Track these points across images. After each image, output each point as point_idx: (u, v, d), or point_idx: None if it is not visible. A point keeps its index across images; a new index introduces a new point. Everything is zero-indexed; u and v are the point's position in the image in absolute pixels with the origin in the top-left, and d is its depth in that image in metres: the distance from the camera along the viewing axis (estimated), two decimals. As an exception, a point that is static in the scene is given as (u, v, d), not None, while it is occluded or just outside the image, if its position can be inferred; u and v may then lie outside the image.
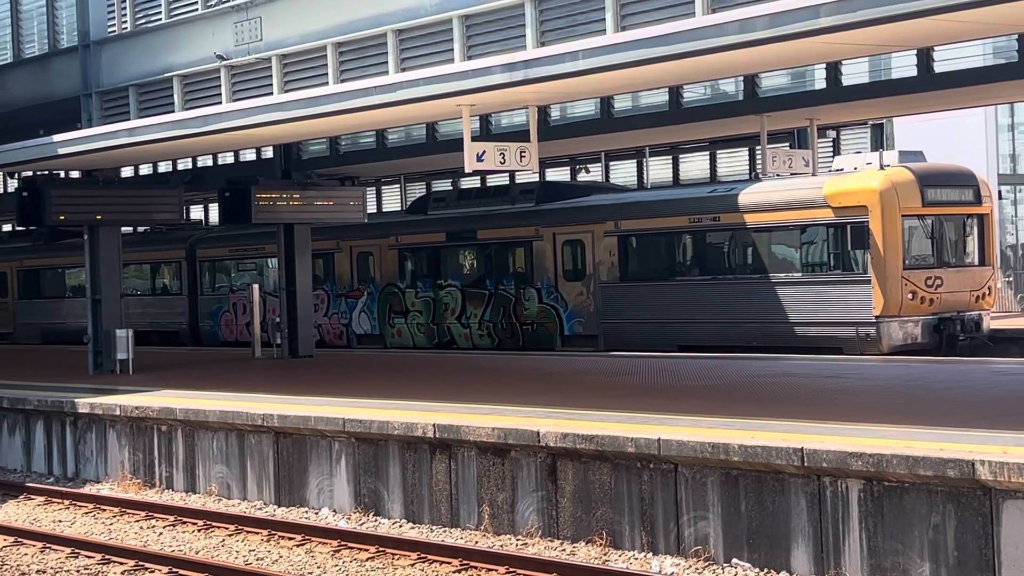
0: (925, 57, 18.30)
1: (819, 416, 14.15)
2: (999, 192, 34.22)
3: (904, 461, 11.40)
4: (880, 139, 31.14)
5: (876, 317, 24.03)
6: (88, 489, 18.88)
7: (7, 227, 46.88)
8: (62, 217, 25.18)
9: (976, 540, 11.14)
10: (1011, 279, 33.18)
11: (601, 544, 13.59)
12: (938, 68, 18.34)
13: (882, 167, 24.64)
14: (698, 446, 12.78)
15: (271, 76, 23.04)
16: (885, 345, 23.99)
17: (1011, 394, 15.92)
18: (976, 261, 25.75)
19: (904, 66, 18.98)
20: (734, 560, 12.66)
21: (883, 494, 11.68)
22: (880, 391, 17.00)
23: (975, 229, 25.81)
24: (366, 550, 14.16)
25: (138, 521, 16.60)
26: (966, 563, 11.19)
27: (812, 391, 17.23)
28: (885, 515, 11.68)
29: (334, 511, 16.29)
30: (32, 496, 18.71)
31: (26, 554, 15.04)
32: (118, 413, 19.20)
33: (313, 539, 14.80)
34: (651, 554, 13.24)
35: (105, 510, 17.36)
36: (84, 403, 19.77)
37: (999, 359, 22.42)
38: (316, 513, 16.39)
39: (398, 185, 39.05)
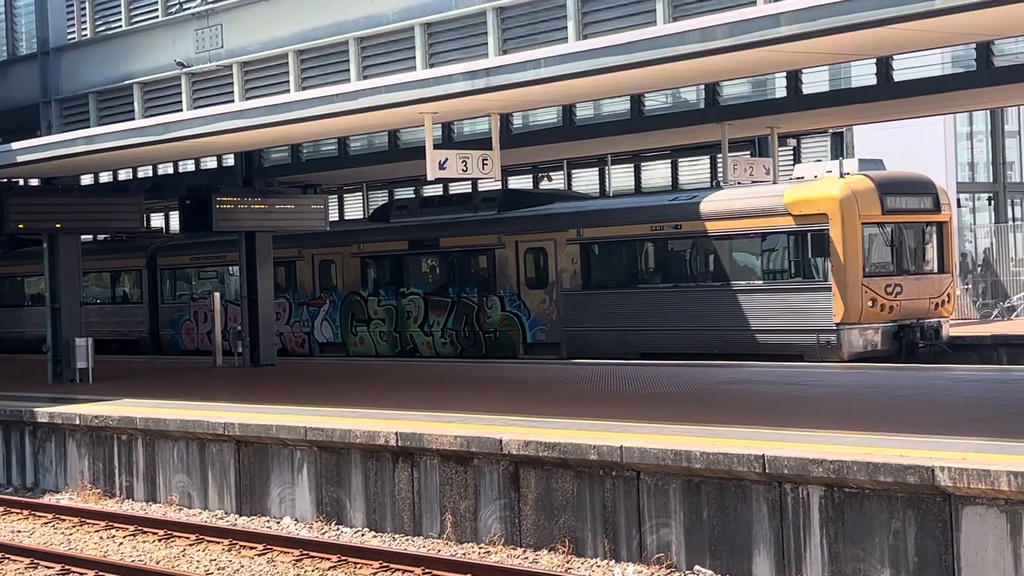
0: (884, 66, 18.43)
1: (780, 423, 14.21)
2: (958, 200, 34.49)
3: (864, 468, 11.46)
4: (840, 147, 31.33)
5: (836, 324, 24.15)
6: (47, 499, 18.72)
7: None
8: (21, 225, 24.99)
9: (936, 546, 11.21)
10: (969, 286, 33.46)
11: (564, 552, 13.60)
12: (897, 77, 18.47)
13: (842, 175, 24.79)
14: (660, 453, 12.80)
15: (232, 83, 22.98)
16: (845, 352, 24.12)
17: (970, 401, 16.04)
18: (935, 269, 25.94)
19: (864, 75, 19.11)
20: (696, 567, 12.69)
21: (844, 500, 11.74)
22: (841, 398, 17.09)
23: (934, 237, 26.00)
24: (328, 559, 14.10)
25: (98, 531, 16.48)
26: (926, 569, 11.25)
27: (773, 398, 17.30)
28: (846, 521, 11.74)
29: (296, 520, 16.23)
30: (-10, 506, 18.53)
31: (-16, 565, 14.91)
32: (78, 422, 19.06)
33: (275, 548, 14.73)
34: (613, 561, 13.25)
35: (64, 520, 17.22)
36: (43, 412, 19.61)
37: (958, 366, 22.58)
38: (278, 522, 16.31)
39: (360, 193, 38.98)
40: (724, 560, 12.53)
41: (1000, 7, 11.55)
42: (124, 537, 16.07)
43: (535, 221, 28.69)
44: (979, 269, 33.75)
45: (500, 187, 32.32)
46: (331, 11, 21.39)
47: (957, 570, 11.08)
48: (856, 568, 11.66)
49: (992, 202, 37.26)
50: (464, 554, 14.00)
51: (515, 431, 14.43)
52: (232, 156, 27.45)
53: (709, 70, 15.52)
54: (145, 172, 32.24)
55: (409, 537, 14.96)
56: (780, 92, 20.33)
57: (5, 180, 25.13)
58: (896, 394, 17.06)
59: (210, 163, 30.66)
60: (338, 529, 15.64)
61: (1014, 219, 36.86)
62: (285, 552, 14.56)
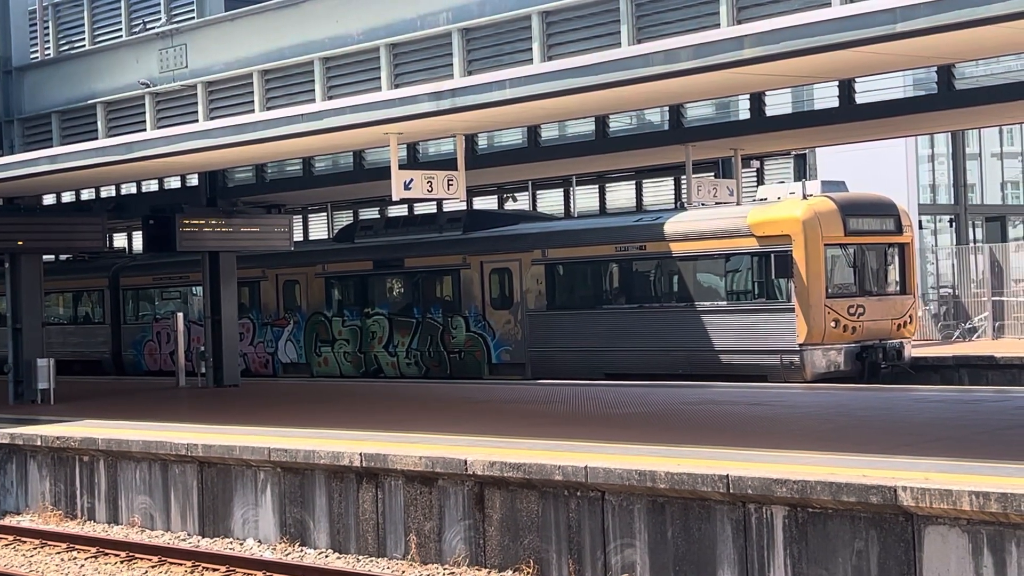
0: (847, 88, 18.58)
1: (744, 443, 14.25)
2: (919, 222, 34.75)
3: (828, 487, 11.51)
4: (803, 169, 31.53)
5: (800, 345, 24.27)
6: (8, 521, 18.54)
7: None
8: (-18, 245, 24.79)
9: (899, 565, 11.26)
10: (932, 308, 33.69)
11: (528, 572, 13.58)
12: (859, 100, 18.62)
13: (805, 197, 24.94)
14: (625, 473, 12.81)
15: (196, 103, 22.91)
16: (809, 373, 24.23)
17: (932, 421, 16.14)
18: (897, 290, 26.11)
19: (826, 97, 19.26)
20: (661, 587, 12.71)
21: (807, 520, 11.78)
22: (804, 418, 17.16)
23: (896, 258, 26.18)
24: (292, 581, 14.04)
25: (59, 553, 16.34)
26: (889, 588, 11.31)
27: (737, 418, 17.35)
28: (809, 541, 11.78)
29: (259, 541, 16.15)
30: (-51, 529, 18.34)
31: (-57, 588, 14.76)
32: (39, 443, 18.91)
33: (238, 570, 14.65)
34: (578, 582, 13.24)
35: (25, 542, 17.07)
36: (4, 433, 19.43)
37: (920, 387, 22.72)
38: (241, 544, 16.22)
39: (325, 213, 38.92)
40: (688, 580, 12.54)
41: (960, 31, 11.68)
42: (86, 559, 15.94)
43: (500, 241, 28.72)
44: (941, 292, 33.98)
45: (465, 207, 32.37)
46: (296, 31, 21.38)
47: (920, 589, 11.14)
48: (820, 588, 11.71)
49: (953, 224, 37.54)
50: (428, 575, 13.96)
51: (480, 452, 14.41)
52: (196, 176, 27.36)
53: (673, 92, 15.60)
54: (108, 192, 32.10)
55: (373, 558, 14.91)
56: (744, 114, 20.46)
57: (-33, 199, 24.95)
58: (859, 414, 17.14)
59: (174, 183, 30.53)
60: (302, 550, 15.57)
61: (975, 241, 37.16)
62: (248, 574, 14.48)
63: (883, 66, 14.41)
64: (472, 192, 32.68)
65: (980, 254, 33.63)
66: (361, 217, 37.15)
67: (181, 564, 15.16)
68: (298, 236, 35.55)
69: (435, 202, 32.41)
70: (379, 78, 20.08)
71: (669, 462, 12.96)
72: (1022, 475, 11.29)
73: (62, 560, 15.99)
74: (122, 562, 15.62)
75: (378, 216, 35.90)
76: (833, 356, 24.58)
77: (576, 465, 13.21)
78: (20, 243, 24.79)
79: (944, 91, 17.68)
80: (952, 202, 37.54)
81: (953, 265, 34.25)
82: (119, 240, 42.75)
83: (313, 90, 21.04)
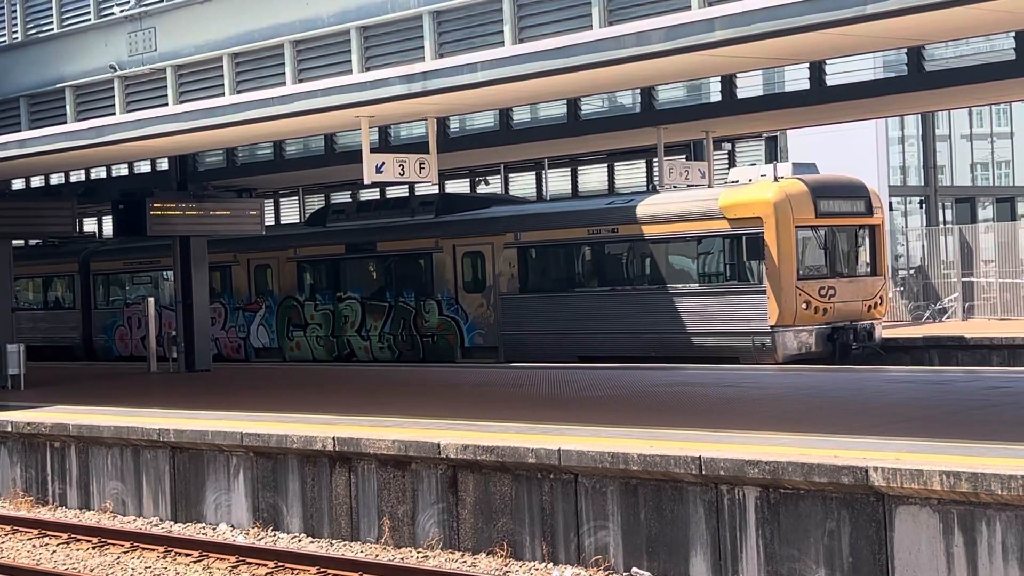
0: (817, 71, 18.63)
1: (716, 425, 14.31)
2: (890, 204, 34.89)
3: (799, 468, 11.56)
4: (774, 151, 31.61)
5: (771, 327, 24.36)
6: (-22, 508, 18.47)
7: None
8: (-50, 230, 24.64)
9: (870, 545, 11.33)
10: (902, 289, 33.85)
11: (502, 555, 13.60)
12: (830, 82, 18.68)
13: (776, 179, 25.01)
14: (598, 456, 12.84)
15: (166, 87, 22.78)
16: (780, 354, 24.33)
17: (903, 402, 16.22)
18: (868, 271, 26.23)
19: (797, 79, 19.32)
20: (634, 569, 12.75)
21: (779, 501, 11.83)
22: (776, 400, 17.23)
23: (867, 240, 26.29)
24: (264, 565, 14.02)
25: (31, 539, 16.27)
26: (860, 568, 11.37)
27: (709, 400, 17.41)
28: (781, 522, 11.83)
29: (232, 526, 16.12)
30: (-80, 516, 18.24)
31: (-87, 575, 14.68)
32: (9, 429, 18.82)
33: (210, 555, 14.62)
34: (552, 564, 13.27)
35: (-4, 529, 17.01)
36: (-26, 420, 19.34)
37: (891, 367, 22.84)
38: (213, 529, 16.19)
39: (296, 197, 38.80)
40: (661, 561, 12.58)
41: (930, 12, 11.71)
42: (57, 545, 15.88)
43: (472, 225, 28.69)
44: (912, 273, 34.14)
45: (437, 191, 32.32)
46: (266, 14, 21.27)
47: (891, 569, 11.21)
48: (792, 568, 11.76)
49: (923, 205, 37.72)
50: (402, 559, 13.97)
51: (453, 435, 14.42)
52: (166, 160, 27.24)
53: (645, 74, 15.60)
54: (78, 176, 31.93)
55: (347, 542, 14.91)
56: (715, 96, 20.49)
57: (-66, 184, 24.78)
58: (830, 395, 17.22)
59: (144, 167, 30.39)
60: (275, 535, 15.56)
61: (945, 222, 37.35)
62: (221, 559, 14.45)
63: (853, 48, 14.45)
64: (444, 175, 32.65)
65: (950, 235, 33.80)
66: (333, 201, 37.05)
67: (154, 549, 15.12)
68: (269, 220, 35.46)
69: (407, 186, 32.37)
70: (350, 61, 20.01)
71: (642, 444, 12.99)
72: (992, 455, 11.38)
73: (34, 546, 15.93)
74: (94, 548, 15.57)
75: (350, 200, 35.82)
76: (804, 338, 24.68)
77: (549, 448, 13.23)
78: (-11, 228, 24.65)
79: (914, 73, 17.75)
80: (922, 184, 37.71)
81: (923, 246, 34.41)
82: (89, 225, 42.53)
83: (283, 73, 20.95)
